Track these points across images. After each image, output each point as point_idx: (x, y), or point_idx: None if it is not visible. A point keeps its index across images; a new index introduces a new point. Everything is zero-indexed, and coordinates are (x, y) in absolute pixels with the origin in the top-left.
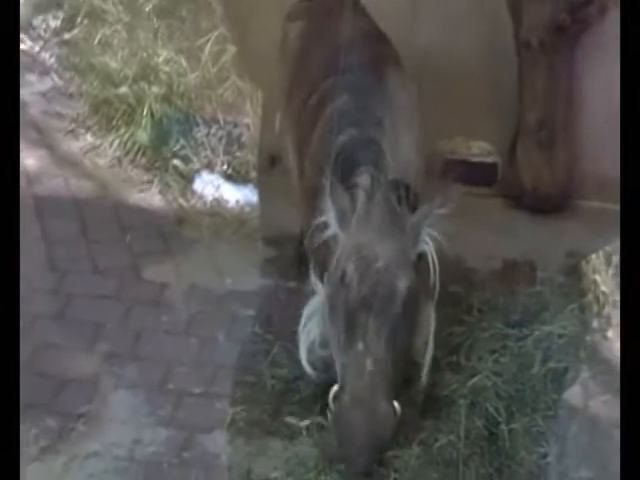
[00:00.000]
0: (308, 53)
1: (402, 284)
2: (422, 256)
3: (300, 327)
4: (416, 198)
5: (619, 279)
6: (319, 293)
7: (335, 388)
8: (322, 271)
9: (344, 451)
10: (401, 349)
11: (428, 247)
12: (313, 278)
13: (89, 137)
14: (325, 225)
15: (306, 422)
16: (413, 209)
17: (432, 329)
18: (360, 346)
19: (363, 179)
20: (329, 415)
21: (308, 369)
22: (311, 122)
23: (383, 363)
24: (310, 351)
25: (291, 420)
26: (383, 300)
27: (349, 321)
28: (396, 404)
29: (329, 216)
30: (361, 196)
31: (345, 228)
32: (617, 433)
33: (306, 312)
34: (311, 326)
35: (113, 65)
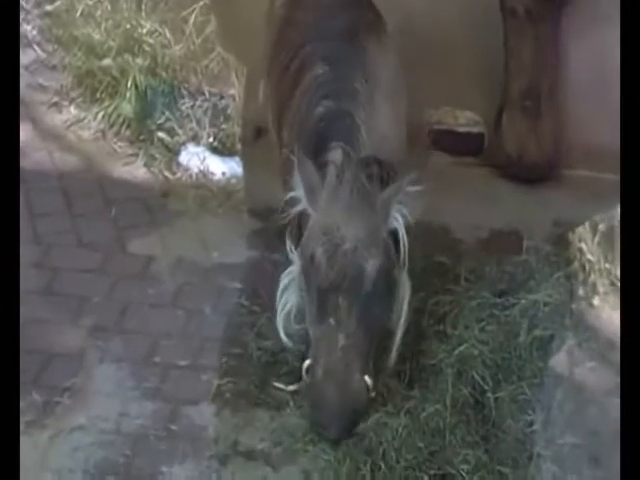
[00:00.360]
0: (293, 19)
1: (370, 265)
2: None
3: (277, 297)
4: (393, 173)
5: (605, 247)
6: (295, 263)
7: (309, 360)
8: (297, 242)
9: (316, 419)
10: (375, 323)
11: (398, 224)
12: (289, 246)
13: (73, 110)
14: (295, 200)
15: (293, 387)
16: (388, 185)
17: (407, 298)
18: (331, 321)
19: (335, 155)
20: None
21: (285, 340)
22: (291, 88)
23: (355, 338)
24: (287, 322)
25: (279, 385)
26: (352, 282)
27: (320, 298)
28: (367, 379)
29: (299, 192)
30: (331, 173)
31: (314, 205)
32: (602, 400)
33: (282, 282)
34: (288, 296)
35: (96, 37)
